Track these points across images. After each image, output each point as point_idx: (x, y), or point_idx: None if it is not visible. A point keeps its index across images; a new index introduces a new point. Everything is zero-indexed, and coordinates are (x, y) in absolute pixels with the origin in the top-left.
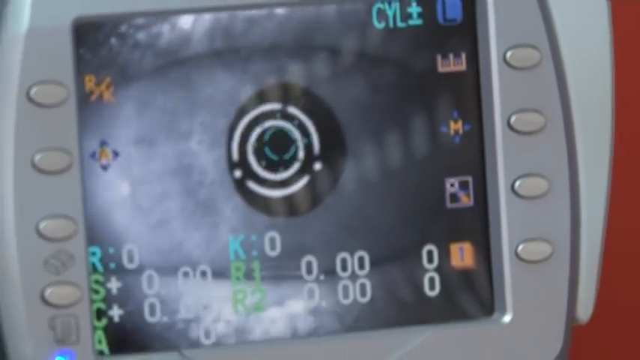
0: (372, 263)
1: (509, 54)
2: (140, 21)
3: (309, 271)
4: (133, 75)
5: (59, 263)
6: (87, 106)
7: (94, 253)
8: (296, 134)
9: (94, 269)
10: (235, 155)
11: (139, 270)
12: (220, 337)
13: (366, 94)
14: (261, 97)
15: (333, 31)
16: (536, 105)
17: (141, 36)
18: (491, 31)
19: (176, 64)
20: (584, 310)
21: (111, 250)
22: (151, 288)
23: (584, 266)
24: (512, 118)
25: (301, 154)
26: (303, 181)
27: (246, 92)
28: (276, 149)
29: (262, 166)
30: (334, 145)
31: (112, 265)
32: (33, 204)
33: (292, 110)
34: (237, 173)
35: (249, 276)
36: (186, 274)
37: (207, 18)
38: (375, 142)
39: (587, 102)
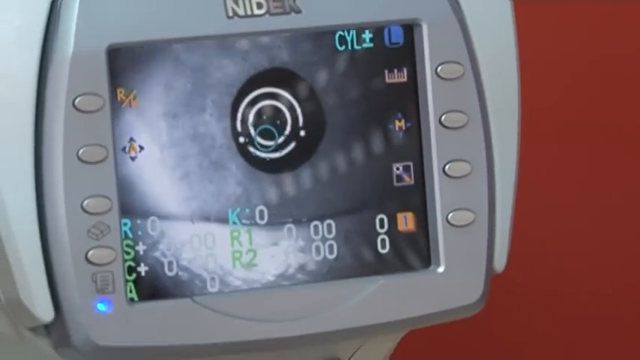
0: (338, 229)
1: (439, 68)
2: (159, 45)
3: (290, 235)
4: (153, 87)
5: (99, 232)
6: (118, 111)
7: (125, 224)
8: (285, 112)
9: (126, 236)
10: (246, 122)
11: (160, 236)
12: (222, 286)
13: (332, 100)
14: (257, 82)
15: (306, 51)
16: (461, 107)
17: (159, 56)
18: (426, 51)
19: (189, 65)
20: (500, 262)
21: (138, 221)
22: (169, 250)
23: (499, 229)
24: (443, 117)
25: (289, 127)
26: (290, 147)
27: (244, 76)
28: (270, 123)
29: (259, 133)
30: (302, 139)
31: (140, 233)
32: (78, 187)
33: (282, 94)
34: (241, 138)
35: (243, 240)
36: (196, 239)
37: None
38: (340, 136)
39: (499, 104)
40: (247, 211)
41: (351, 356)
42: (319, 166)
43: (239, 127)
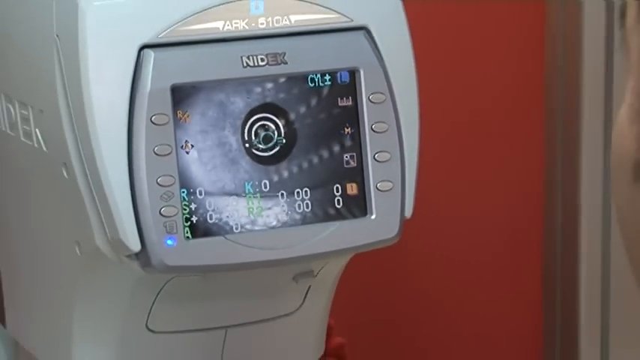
0: (312, 193)
1: (370, 96)
2: (202, 84)
3: (282, 197)
4: (200, 110)
5: (167, 197)
6: (178, 124)
7: (183, 192)
8: (274, 129)
9: (183, 199)
10: (250, 135)
11: (205, 198)
12: (242, 227)
13: (305, 115)
14: (255, 111)
15: (288, 90)
16: (384, 119)
17: (202, 91)
18: (362, 86)
19: (218, 101)
20: (408, 212)
21: (191, 190)
22: (210, 206)
23: (407, 192)
24: (373, 125)
25: (275, 138)
26: (276, 149)
27: (248, 108)
28: (264, 135)
29: (263, 142)
30: (291, 136)
31: (192, 197)
32: (154, 170)
33: (271, 118)
34: (254, 141)
35: (255, 199)
36: (227, 199)
37: (234, 82)
38: (310, 138)
39: (406, 117)
40: (256, 183)
41: (320, 270)
42: (297, 158)
43: (250, 137)
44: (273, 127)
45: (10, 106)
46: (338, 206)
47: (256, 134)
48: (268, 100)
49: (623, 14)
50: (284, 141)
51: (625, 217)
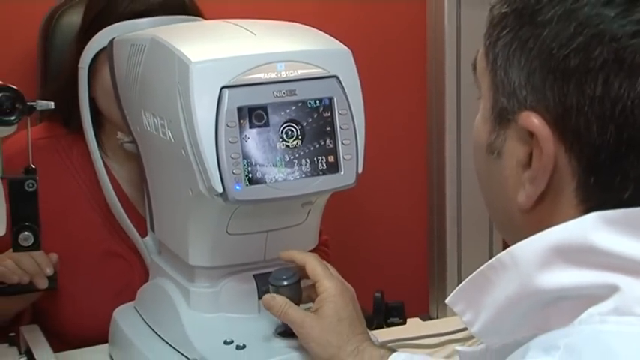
0: (310, 161)
1: (340, 111)
2: (254, 106)
3: (296, 164)
4: (252, 119)
5: (236, 164)
6: (241, 127)
7: (244, 161)
8: (293, 131)
9: (244, 165)
10: (279, 133)
11: (255, 165)
12: (275, 179)
13: (308, 123)
14: (284, 122)
15: (298, 106)
16: (347, 122)
17: (254, 110)
18: (335, 106)
19: (262, 115)
20: (360, 169)
21: (248, 161)
22: (259, 169)
23: (359, 159)
24: (342, 125)
25: (294, 135)
26: (298, 141)
27: (281, 121)
28: (290, 133)
29: (286, 137)
30: (302, 134)
31: (249, 164)
32: (229, 150)
33: (292, 125)
34: (281, 136)
35: (282, 166)
36: (267, 165)
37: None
38: (311, 134)
39: (357, 120)
40: (283, 157)
41: (315, 201)
42: (305, 145)
43: (279, 134)
44: (293, 130)
45: (155, 119)
46: (324, 168)
47: (285, 133)
48: (290, 117)
49: (475, 66)
50: (299, 136)
51: (481, 174)
